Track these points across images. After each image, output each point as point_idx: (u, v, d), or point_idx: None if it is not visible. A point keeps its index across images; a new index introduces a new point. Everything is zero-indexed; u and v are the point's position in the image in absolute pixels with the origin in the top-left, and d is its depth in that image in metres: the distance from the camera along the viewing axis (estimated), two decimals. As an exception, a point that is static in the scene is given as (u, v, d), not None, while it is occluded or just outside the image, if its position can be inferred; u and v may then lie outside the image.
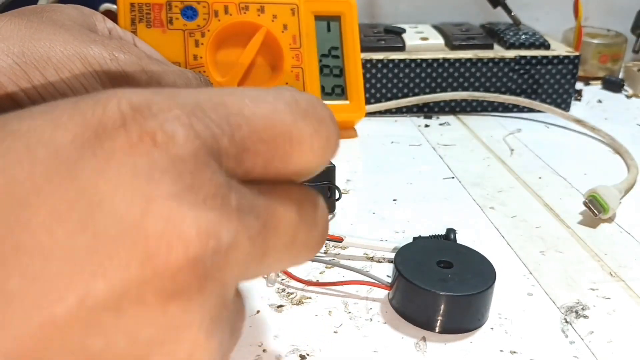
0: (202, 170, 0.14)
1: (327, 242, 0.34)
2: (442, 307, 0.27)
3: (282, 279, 0.31)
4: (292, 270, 0.31)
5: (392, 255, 0.33)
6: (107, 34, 0.32)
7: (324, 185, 0.36)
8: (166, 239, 0.13)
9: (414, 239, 0.34)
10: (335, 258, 0.33)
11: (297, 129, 0.17)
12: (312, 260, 0.32)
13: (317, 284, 0.30)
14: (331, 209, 0.37)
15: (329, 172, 0.36)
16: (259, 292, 0.30)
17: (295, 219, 0.17)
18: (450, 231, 0.33)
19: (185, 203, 0.14)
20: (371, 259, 0.33)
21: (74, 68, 0.26)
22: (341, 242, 0.32)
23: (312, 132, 0.18)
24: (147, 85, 0.28)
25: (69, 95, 0.26)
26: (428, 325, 0.28)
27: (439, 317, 0.27)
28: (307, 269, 0.32)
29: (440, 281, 0.27)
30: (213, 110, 0.16)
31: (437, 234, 0.34)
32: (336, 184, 0.36)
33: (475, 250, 0.30)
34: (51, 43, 0.26)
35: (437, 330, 0.28)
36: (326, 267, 0.32)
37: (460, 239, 0.36)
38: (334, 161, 0.36)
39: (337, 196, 0.37)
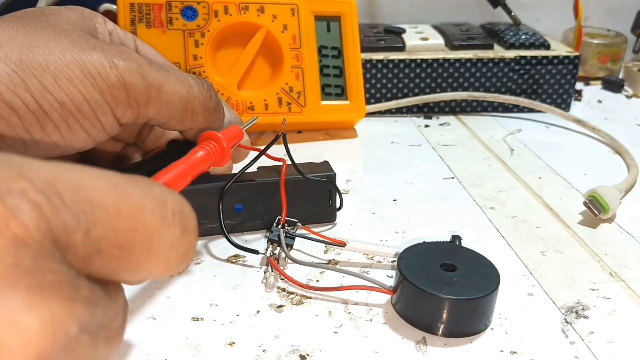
0: (45, 258, 0.12)
1: (328, 244, 0.34)
2: (449, 311, 0.27)
3: (282, 279, 0.31)
4: (292, 273, 0.31)
5: (392, 257, 0.33)
6: (108, 36, 0.31)
7: (325, 195, 0.35)
8: None
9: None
10: (334, 259, 0.33)
11: (159, 237, 0.15)
12: (316, 267, 0.32)
13: (321, 289, 0.30)
14: (332, 218, 0.37)
15: (330, 180, 0.35)
16: (259, 292, 0.30)
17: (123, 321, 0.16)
18: (456, 238, 0.33)
19: (22, 291, 0.11)
20: (371, 259, 0.33)
21: (72, 76, 0.25)
22: (344, 246, 0.32)
23: (173, 243, 0.15)
24: (145, 92, 0.27)
25: (67, 104, 0.26)
26: (433, 329, 0.27)
27: (445, 321, 0.27)
28: (307, 270, 0.32)
29: (445, 285, 0.27)
30: (70, 192, 0.13)
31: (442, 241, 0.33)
32: (337, 191, 0.36)
33: (477, 253, 0.30)
34: (50, 50, 0.25)
35: (442, 334, 0.27)
36: (326, 269, 0.32)
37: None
38: (334, 165, 0.36)
39: (338, 205, 0.36)
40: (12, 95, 0.24)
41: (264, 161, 0.34)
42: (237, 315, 0.29)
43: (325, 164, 0.36)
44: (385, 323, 0.28)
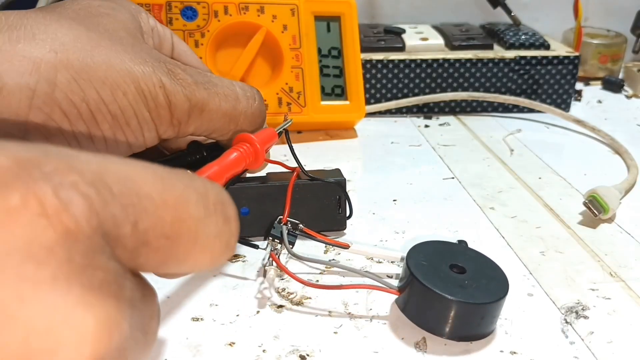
0: (95, 254, 0.12)
1: (329, 245, 0.34)
2: (461, 314, 0.26)
3: (283, 278, 0.31)
4: (295, 270, 0.31)
5: (398, 261, 0.32)
6: (150, 33, 0.31)
7: (334, 201, 0.34)
8: (55, 334, 0.11)
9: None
10: (334, 259, 0.33)
11: (203, 227, 0.15)
12: (321, 263, 0.32)
13: (325, 287, 0.30)
14: (341, 226, 0.35)
15: (340, 186, 0.34)
16: (259, 292, 0.30)
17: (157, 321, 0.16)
18: (462, 242, 0.32)
19: (76, 288, 0.11)
20: (370, 259, 0.33)
21: (127, 91, 0.25)
22: (347, 248, 0.31)
23: (217, 233, 0.16)
24: (187, 113, 0.27)
25: (119, 117, 0.25)
26: (440, 331, 0.27)
27: (455, 324, 0.27)
28: (307, 270, 0.32)
29: (458, 287, 0.26)
30: (118, 184, 0.13)
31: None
32: (346, 197, 0.34)
33: (483, 255, 0.30)
34: (109, 61, 0.25)
35: (449, 337, 0.27)
36: (326, 268, 0.32)
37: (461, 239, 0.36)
38: (334, 165, 0.36)
39: (347, 213, 0.35)
40: (69, 103, 0.24)
41: (272, 167, 0.34)
42: (237, 315, 0.29)
43: (337, 171, 0.35)
44: (385, 323, 0.28)
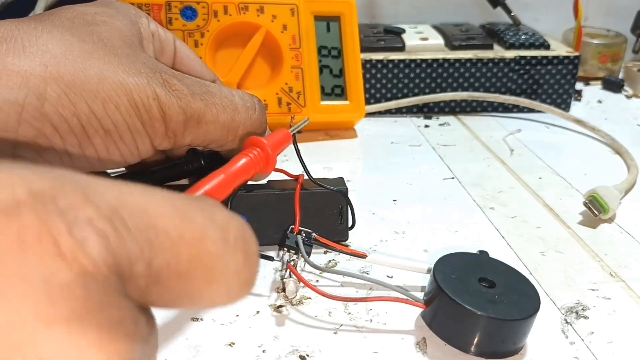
0: (111, 292, 0.12)
1: (329, 248, 0.33)
2: (493, 330, 0.26)
3: (283, 279, 0.31)
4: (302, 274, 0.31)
5: (424, 273, 0.31)
6: (151, 38, 0.30)
7: (335, 211, 0.33)
8: None
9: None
10: (334, 259, 0.33)
11: (221, 265, 0.14)
12: (344, 275, 0.31)
13: (352, 299, 0.29)
14: (343, 237, 0.34)
15: (342, 195, 0.33)
16: (258, 292, 0.30)
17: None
18: (483, 253, 0.31)
19: (91, 328, 0.11)
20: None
21: (120, 103, 0.25)
22: (364, 257, 0.30)
23: (235, 271, 0.15)
24: (183, 124, 0.27)
25: (111, 131, 0.25)
26: (471, 348, 0.26)
27: (487, 341, 0.26)
28: (312, 277, 0.32)
29: (488, 303, 0.26)
30: (134, 218, 0.13)
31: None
32: (349, 206, 0.33)
33: (510, 267, 0.29)
34: (101, 73, 0.24)
35: (480, 354, 0.26)
36: (321, 273, 0.32)
37: (461, 240, 0.36)
38: (334, 165, 0.36)
39: (350, 223, 0.34)
40: (59, 118, 0.24)
41: (275, 175, 0.33)
42: (237, 315, 0.29)
43: (340, 179, 0.35)
44: (385, 323, 0.28)
